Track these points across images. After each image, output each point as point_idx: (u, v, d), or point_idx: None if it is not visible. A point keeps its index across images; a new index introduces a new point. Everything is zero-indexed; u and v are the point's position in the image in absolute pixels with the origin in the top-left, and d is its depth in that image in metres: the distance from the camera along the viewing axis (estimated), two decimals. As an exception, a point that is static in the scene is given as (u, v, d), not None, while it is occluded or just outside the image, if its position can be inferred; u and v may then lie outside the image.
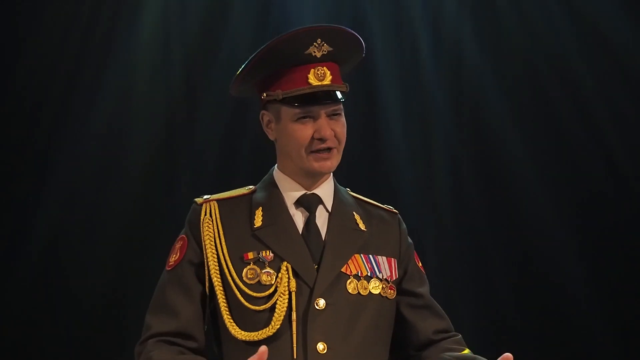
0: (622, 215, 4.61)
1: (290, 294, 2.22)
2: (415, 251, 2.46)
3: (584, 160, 4.65)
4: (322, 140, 2.26)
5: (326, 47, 2.27)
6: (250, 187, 2.39)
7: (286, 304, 2.21)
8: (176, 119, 4.74)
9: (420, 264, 2.47)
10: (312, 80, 2.27)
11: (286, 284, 2.22)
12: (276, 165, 2.40)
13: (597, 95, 4.66)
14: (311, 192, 2.34)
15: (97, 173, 4.63)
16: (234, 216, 2.31)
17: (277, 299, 2.21)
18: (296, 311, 2.21)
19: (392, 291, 2.34)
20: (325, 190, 2.36)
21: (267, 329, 2.20)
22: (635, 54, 4.65)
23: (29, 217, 4.59)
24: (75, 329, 4.54)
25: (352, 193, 2.45)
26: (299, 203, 2.33)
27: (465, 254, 4.64)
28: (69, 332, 4.54)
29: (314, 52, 2.26)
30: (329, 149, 2.28)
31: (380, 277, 2.32)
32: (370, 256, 2.33)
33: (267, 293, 2.22)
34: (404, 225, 2.46)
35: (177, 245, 2.34)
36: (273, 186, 2.35)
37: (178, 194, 4.61)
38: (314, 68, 2.27)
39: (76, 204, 4.61)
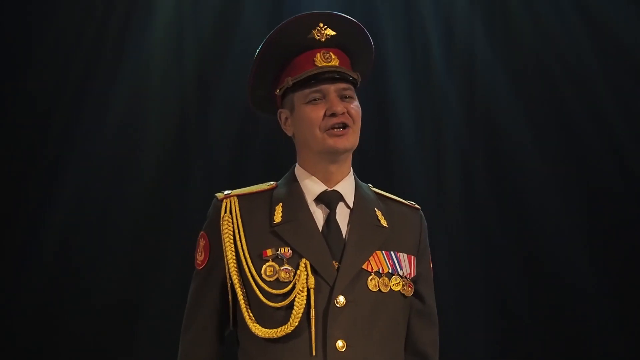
0: (631, 212, 4.61)
1: (308, 291, 2.20)
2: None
3: (594, 158, 4.65)
4: (334, 115, 2.25)
5: (329, 31, 2.28)
6: (272, 183, 2.38)
7: (304, 301, 2.19)
8: (189, 117, 4.75)
9: (431, 266, 2.45)
10: (319, 61, 2.27)
11: (304, 281, 2.20)
12: (297, 161, 2.38)
13: (607, 93, 4.66)
14: (332, 188, 2.32)
15: (110, 172, 4.64)
16: (254, 212, 2.30)
17: (296, 296, 2.20)
18: (315, 308, 2.19)
19: (410, 289, 2.33)
20: (346, 186, 2.34)
21: (286, 326, 2.19)
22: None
23: (42, 216, 4.60)
24: (87, 329, 4.54)
25: (374, 189, 2.43)
26: (319, 200, 2.31)
27: (476, 252, 4.64)
28: (81, 332, 4.55)
29: (317, 35, 2.27)
30: (344, 125, 2.26)
31: (401, 274, 2.30)
32: (392, 253, 2.31)
33: (285, 290, 2.21)
34: (425, 223, 2.45)
35: (201, 243, 2.34)
36: (294, 182, 2.33)
37: (191, 192, 4.61)
38: (319, 52, 2.28)
39: (89, 203, 4.62)
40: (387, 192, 2.45)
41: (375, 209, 2.35)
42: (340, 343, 2.19)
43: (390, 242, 2.32)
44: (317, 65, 2.26)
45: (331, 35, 2.27)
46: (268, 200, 2.32)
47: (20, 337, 4.55)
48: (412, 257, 2.35)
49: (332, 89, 2.26)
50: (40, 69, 4.66)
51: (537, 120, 4.72)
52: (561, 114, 4.70)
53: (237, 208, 2.30)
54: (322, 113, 2.26)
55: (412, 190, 4.55)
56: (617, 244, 4.62)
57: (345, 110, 2.26)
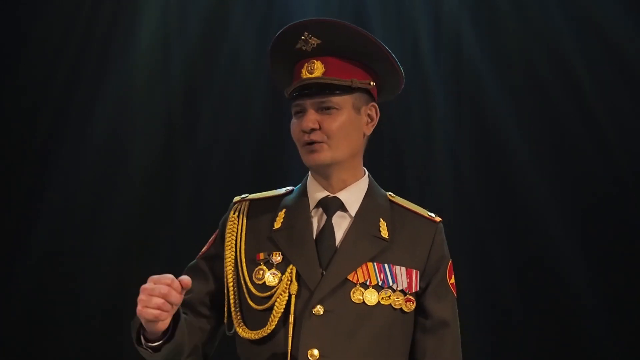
0: (625, 215, 4.61)
1: (290, 296, 2.21)
2: (451, 264, 2.37)
3: (587, 160, 4.65)
4: (304, 132, 2.26)
5: (314, 40, 2.25)
6: (289, 188, 2.40)
7: (283, 306, 2.20)
8: (177, 122, 4.74)
9: (453, 281, 2.37)
10: (304, 74, 2.26)
11: (286, 286, 2.22)
12: None
13: (600, 94, 4.66)
14: (333, 195, 2.31)
15: (98, 177, 4.62)
16: (260, 217, 2.33)
17: (276, 300, 2.21)
18: (294, 314, 2.19)
19: (410, 303, 2.27)
20: (351, 193, 2.32)
21: (264, 329, 2.21)
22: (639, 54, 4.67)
23: (30, 222, 4.58)
24: (76, 333, 4.54)
25: (392, 198, 2.39)
26: (319, 205, 2.32)
27: (469, 255, 4.64)
28: (70, 336, 4.54)
29: (303, 46, 2.26)
30: (312, 143, 2.25)
31: (394, 288, 2.25)
32: (385, 265, 2.26)
33: (268, 294, 2.23)
34: (442, 236, 2.37)
35: (211, 237, 2.39)
36: (304, 189, 2.35)
37: (178, 198, 4.61)
38: (307, 62, 2.27)
39: (77, 208, 4.61)
40: (410, 202, 2.41)
41: (381, 219, 2.31)
42: (315, 352, 2.18)
43: (387, 254, 2.27)
44: (301, 78, 2.27)
45: (317, 44, 2.26)
46: (277, 205, 2.34)
47: (9, 342, 4.54)
48: (415, 271, 2.29)
49: (308, 103, 2.26)
50: (25, 74, 4.64)
51: (528, 120, 4.69)
52: (552, 113, 4.70)
53: (246, 212, 2.34)
54: (299, 127, 2.27)
55: (402, 192, 4.53)
56: (611, 247, 4.62)
57: (316, 126, 2.24)
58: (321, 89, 2.25)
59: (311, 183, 2.34)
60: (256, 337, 2.21)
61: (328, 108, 2.26)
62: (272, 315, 2.20)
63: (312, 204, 2.31)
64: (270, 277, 2.25)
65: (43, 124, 4.65)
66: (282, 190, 2.40)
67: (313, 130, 2.24)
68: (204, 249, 2.39)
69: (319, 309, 2.20)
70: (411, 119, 4.73)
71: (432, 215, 2.39)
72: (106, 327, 4.53)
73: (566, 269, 4.60)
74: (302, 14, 4.64)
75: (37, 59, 4.66)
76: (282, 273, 2.24)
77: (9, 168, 4.62)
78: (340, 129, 2.26)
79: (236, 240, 2.31)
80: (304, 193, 2.33)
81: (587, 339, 4.57)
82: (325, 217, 2.30)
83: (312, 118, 2.24)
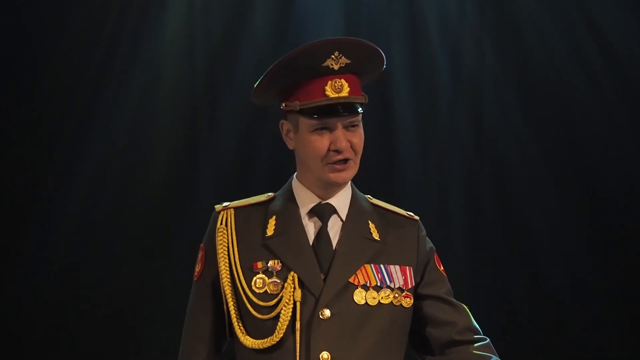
0: (632, 219, 4.62)
1: (295, 303, 2.24)
2: (436, 254, 2.45)
3: (596, 166, 4.66)
4: (338, 151, 2.27)
5: (344, 60, 2.27)
6: (270, 194, 2.41)
7: (290, 313, 2.23)
8: (198, 123, 4.75)
9: (442, 268, 2.45)
10: (329, 92, 2.27)
11: (290, 294, 2.24)
12: (296, 174, 2.40)
13: (609, 102, 4.67)
14: (325, 201, 2.35)
15: (119, 178, 4.64)
16: (249, 224, 2.34)
17: (282, 308, 2.24)
18: (300, 320, 2.23)
19: (408, 299, 2.34)
20: (341, 199, 2.37)
21: (271, 337, 2.23)
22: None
23: (50, 225, 4.60)
24: (93, 337, 4.56)
25: (372, 200, 2.44)
26: (312, 213, 2.34)
27: (478, 261, 4.66)
28: (87, 340, 4.56)
29: (332, 64, 2.26)
30: (345, 160, 2.28)
31: (392, 287, 2.32)
32: (381, 266, 2.33)
33: (272, 302, 2.25)
34: (424, 232, 2.45)
35: (199, 255, 2.38)
36: (290, 195, 2.36)
37: (199, 199, 4.59)
38: (331, 80, 2.27)
39: (97, 210, 4.62)
40: (386, 202, 2.46)
41: (369, 221, 2.37)
42: (325, 355, 2.22)
43: (381, 255, 2.34)
44: (327, 96, 2.27)
45: (346, 64, 2.27)
46: (264, 212, 2.35)
47: (26, 345, 4.57)
48: (408, 267, 2.36)
49: (339, 124, 2.27)
50: (50, 77, 4.65)
51: (537, 127, 4.72)
52: (564, 122, 4.71)
53: (233, 220, 2.34)
54: (326, 145, 2.27)
55: (413, 199, 4.55)
56: (619, 252, 4.63)
57: (349, 146, 2.28)
58: (348, 108, 2.28)
59: (300, 190, 2.36)
60: (263, 346, 2.24)
61: (353, 126, 2.30)
62: (279, 324, 2.23)
63: (303, 210, 2.34)
64: (271, 286, 2.27)
65: (66, 126, 4.64)
66: (264, 197, 2.40)
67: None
68: (198, 270, 2.38)
69: (326, 313, 2.24)
70: (425, 129, 4.75)
71: (411, 214, 2.47)
72: (124, 331, 4.56)
73: (574, 276, 4.62)
74: (320, 15, 4.66)
75: (62, 61, 4.66)
76: (284, 280, 2.26)
77: (30, 174, 4.62)
78: (362, 145, 2.32)
79: (228, 251, 2.31)
80: (291, 199, 2.35)
81: (593, 338, 4.58)
82: (319, 223, 2.33)
83: (344, 137, 2.27)
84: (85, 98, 4.66)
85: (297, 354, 2.22)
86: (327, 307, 2.24)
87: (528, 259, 4.68)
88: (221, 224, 2.34)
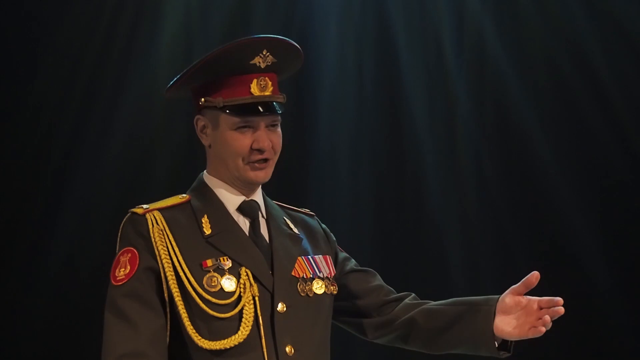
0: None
1: (254, 299, 2.22)
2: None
3: (607, 155, 4.65)
4: (260, 151, 2.27)
5: (271, 59, 2.27)
6: (183, 195, 2.36)
7: (253, 310, 2.21)
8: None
9: (341, 249, 2.55)
10: (255, 90, 2.27)
11: (250, 290, 2.22)
12: (205, 170, 2.39)
13: (618, 86, 4.67)
14: (250, 198, 2.35)
15: (119, 179, 4.62)
16: (181, 225, 2.27)
17: (244, 306, 2.21)
18: (262, 316, 2.21)
19: (333, 287, 2.39)
20: (259, 197, 2.38)
21: (236, 336, 2.18)
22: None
23: (49, 227, 4.59)
24: (91, 339, 4.52)
25: (273, 201, 2.46)
26: (240, 209, 2.33)
27: (490, 249, 4.66)
28: (85, 342, 4.46)
29: (259, 62, 2.27)
30: (266, 160, 2.29)
31: (322, 277, 2.36)
32: (310, 257, 2.37)
33: (231, 300, 2.21)
34: (324, 224, 2.53)
35: (124, 258, 2.26)
36: (210, 193, 2.34)
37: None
38: (257, 78, 2.28)
39: (97, 211, 4.60)
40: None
41: (284, 218, 2.41)
42: (288, 348, 2.22)
43: (306, 248, 2.38)
44: (252, 94, 2.27)
45: (272, 62, 2.28)
46: (190, 212, 2.31)
47: (26, 345, 4.56)
48: (328, 257, 2.43)
49: (262, 123, 2.28)
50: (47, 75, 4.62)
51: (548, 114, 4.71)
52: (572, 106, 4.70)
53: (164, 221, 2.26)
54: (248, 143, 2.27)
55: (425, 189, 4.53)
56: (632, 242, 4.63)
57: (270, 145, 2.29)
58: (272, 108, 2.29)
59: (219, 187, 2.34)
60: (226, 346, 2.17)
61: (274, 125, 2.31)
62: (243, 321, 2.19)
63: (231, 207, 2.32)
64: (226, 283, 2.22)
65: (63, 129, 4.62)
66: (179, 198, 2.34)
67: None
68: (126, 273, 2.23)
69: (282, 307, 2.25)
70: (435, 118, 4.75)
71: (307, 210, 2.53)
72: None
73: (586, 263, 4.62)
74: (323, 20, 4.67)
75: (57, 63, 4.63)
76: (238, 277, 2.23)
77: (29, 176, 4.60)
78: (280, 144, 2.33)
79: (169, 251, 2.22)
80: (212, 198, 2.33)
81: (606, 327, 4.57)
82: (248, 219, 2.33)
83: (266, 137, 2.28)
84: (85, 98, 4.66)
85: (265, 350, 2.20)
86: (282, 301, 2.25)
87: (542, 244, 4.66)
88: (154, 225, 2.25)
